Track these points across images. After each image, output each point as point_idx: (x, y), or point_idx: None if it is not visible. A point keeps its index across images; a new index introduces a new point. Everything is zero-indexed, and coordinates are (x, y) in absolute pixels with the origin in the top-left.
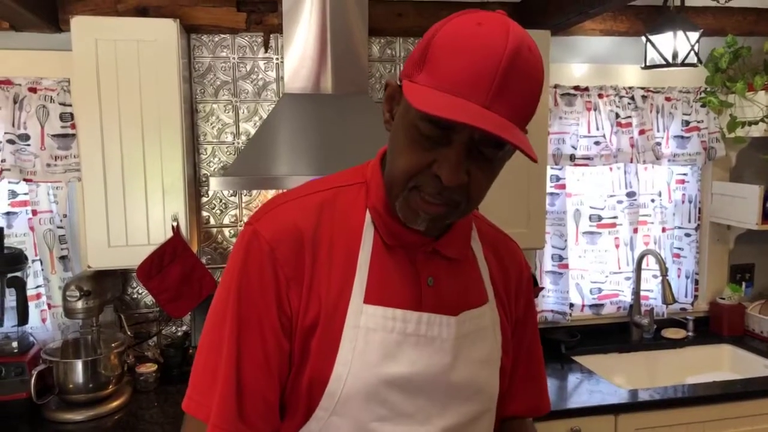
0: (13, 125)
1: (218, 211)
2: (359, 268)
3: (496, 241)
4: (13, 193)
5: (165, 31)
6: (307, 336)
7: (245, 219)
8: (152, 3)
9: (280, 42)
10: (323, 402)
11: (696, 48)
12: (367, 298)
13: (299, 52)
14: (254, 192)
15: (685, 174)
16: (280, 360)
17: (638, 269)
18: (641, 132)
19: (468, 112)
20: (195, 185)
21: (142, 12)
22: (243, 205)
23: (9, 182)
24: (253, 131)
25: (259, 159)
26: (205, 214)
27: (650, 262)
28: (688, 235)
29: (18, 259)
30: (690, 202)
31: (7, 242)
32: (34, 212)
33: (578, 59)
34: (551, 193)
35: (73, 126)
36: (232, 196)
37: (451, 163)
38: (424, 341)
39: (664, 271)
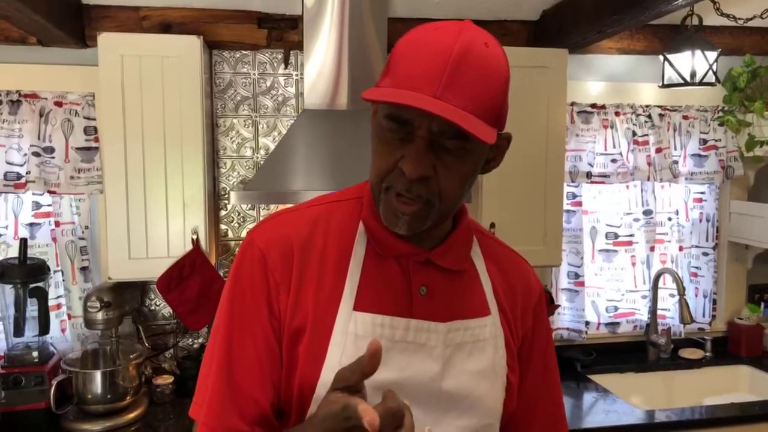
0: (39, 138)
1: (236, 225)
2: (350, 276)
3: (502, 257)
4: (37, 205)
5: (188, 47)
6: (294, 340)
7: None
8: (176, 20)
9: (300, 58)
10: (312, 408)
11: (714, 67)
12: (356, 305)
13: (318, 68)
14: (272, 206)
15: (702, 193)
16: (272, 363)
17: (655, 288)
18: (658, 150)
19: (413, 99)
20: (214, 199)
21: (166, 29)
22: (261, 218)
23: (33, 194)
24: (272, 146)
25: (278, 174)
26: (223, 227)
27: (667, 281)
28: (705, 254)
29: (40, 270)
30: (708, 221)
31: (30, 252)
32: (57, 223)
33: (595, 77)
34: (567, 211)
35: (97, 139)
36: (250, 209)
37: (412, 156)
38: (414, 348)
39: (681, 291)
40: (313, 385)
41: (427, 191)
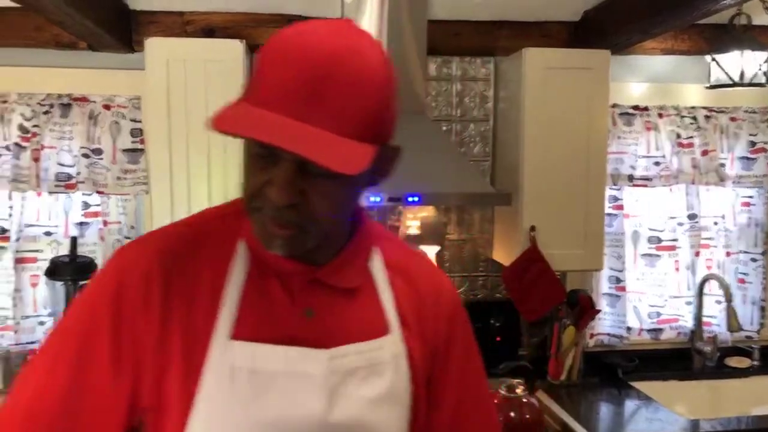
0: (88, 140)
1: None
2: (227, 301)
3: (407, 264)
4: (86, 204)
5: (231, 51)
6: (160, 377)
7: None
8: (219, 24)
9: None
10: None
11: (764, 67)
12: (234, 333)
13: None
14: None
15: (750, 196)
16: (98, 394)
17: (700, 294)
18: (704, 153)
19: (264, 129)
20: None
21: (209, 33)
22: None
23: (83, 194)
24: None
25: None
26: None
27: (713, 287)
28: (754, 260)
29: (89, 267)
30: (756, 225)
31: (79, 251)
32: (105, 223)
33: (637, 78)
34: (609, 214)
35: (143, 141)
36: None
37: (277, 183)
38: (298, 379)
39: (729, 297)
40: (185, 425)
41: (297, 217)
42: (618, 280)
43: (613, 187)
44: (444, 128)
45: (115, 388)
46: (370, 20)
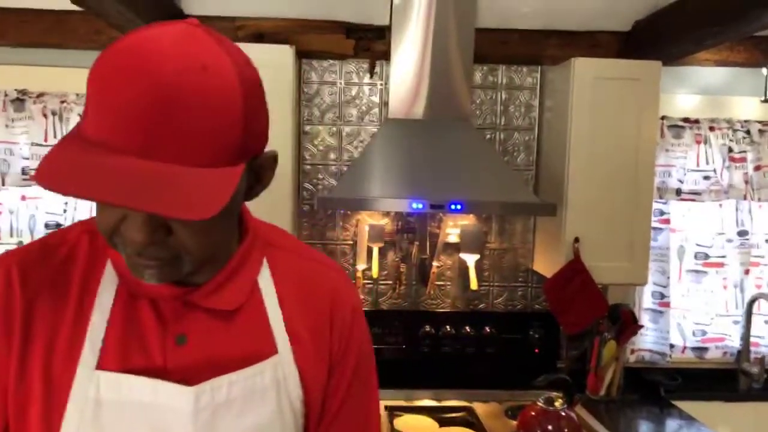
0: None
1: (319, 228)
2: (92, 327)
3: (304, 274)
4: None
5: (281, 56)
6: (21, 408)
7: (340, 237)
8: (269, 30)
9: (385, 68)
10: None
11: None
12: (101, 362)
13: (403, 78)
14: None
15: None
16: None
17: (749, 313)
18: (757, 168)
19: (92, 173)
20: (298, 203)
21: (259, 38)
22: (341, 223)
23: None
24: (355, 153)
25: (363, 181)
26: (305, 232)
27: (762, 307)
28: None
29: None
30: None
31: None
32: None
33: (688, 90)
34: (655, 228)
35: None
36: (329, 214)
37: (134, 223)
38: (166, 413)
39: None
40: None
41: (166, 251)
42: (662, 296)
43: (660, 200)
44: (488, 136)
45: None
46: (416, 26)
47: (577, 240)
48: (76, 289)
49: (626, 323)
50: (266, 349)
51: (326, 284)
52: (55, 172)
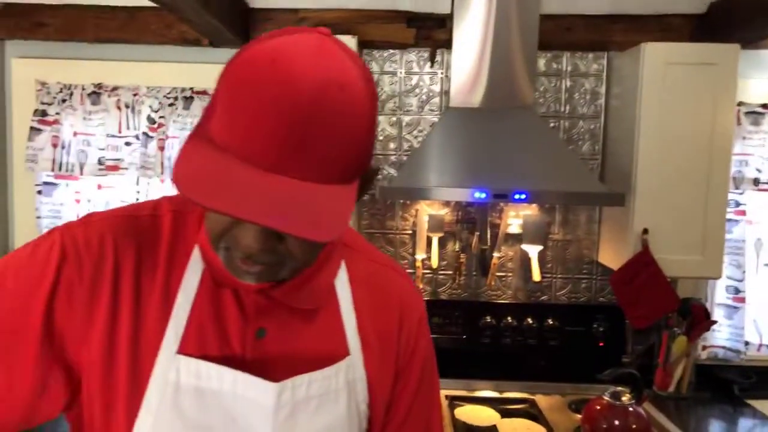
0: None
1: (379, 217)
2: (177, 310)
3: (374, 277)
4: None
5: None
6: (106, 379)
7: (399, 227)
8: (331, 21)
9: (446, 57)
10: None
11: None
12: (182, 347)
13: (465, 66)
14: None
15: None
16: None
17: None
18: None
19: (232, 187)
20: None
21: None
22: (400, 213)
23: None
24: (414, 143)
25: (423, 170)
26: (364, 221)
27: None
28: None
29: None
30: None
31: None
32: None
33: (766, 75)
34: (729, 220)
35: None
36: (388, 204)
37: (249, 230)
38: (244, 404)
39: None
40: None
41: (274, 257)
42: (737, 291)
43: (735, 191)
44: (552, 125)
45: (33, 383)
46: (478, 13)
47: (646, 231)
48: (162, 269)
49: (698, 318)
50: (339, 351)
51: (396, 291)
52: (191, 180)
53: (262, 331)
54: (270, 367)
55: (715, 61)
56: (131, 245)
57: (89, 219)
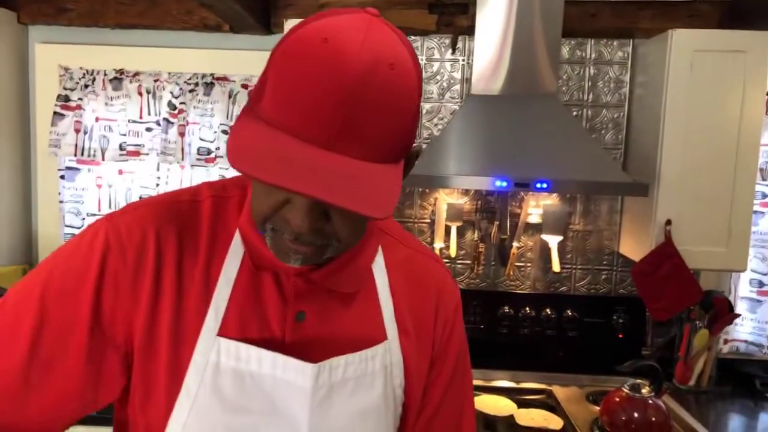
0: (227, 117)
1: (398, 206)
2: (218, 293)
3: (410, 263)
4: (223, 178)
5: None
6: (147, 362)
7: (418, 215)
8: (352, 6)
9: (468, 44)
10: None
11: None
12: (222, 329)
13: (487, 53)
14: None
15: None
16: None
17: None
18: None
19: (289, 164)
20: None
21: None
22: (419, 201)
23: (220, 168)
24: (435, 131)
25: (444, 158)
26: None
27: None
28: None
29: None
30: None
31: None
32: None
33: None
34: (756, 212)
35: None
36: (407, 192)
37: (300, 209)
38: (282, 386)
39: None
40: (163, 417)
41: (321, 238)
42: (761, 284)
43: (763, 182)
44: (574, 113)
45: (83, 370)
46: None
47: (669, 222)
48: (203, 253)
49: (721, 311)
50: (377, 335)
51: (433, 278)
52: (250, 157)
53: (302, 315)
54: (308, 349)
55: (745, 49)
56: (172, 231)
57: (130, 208)
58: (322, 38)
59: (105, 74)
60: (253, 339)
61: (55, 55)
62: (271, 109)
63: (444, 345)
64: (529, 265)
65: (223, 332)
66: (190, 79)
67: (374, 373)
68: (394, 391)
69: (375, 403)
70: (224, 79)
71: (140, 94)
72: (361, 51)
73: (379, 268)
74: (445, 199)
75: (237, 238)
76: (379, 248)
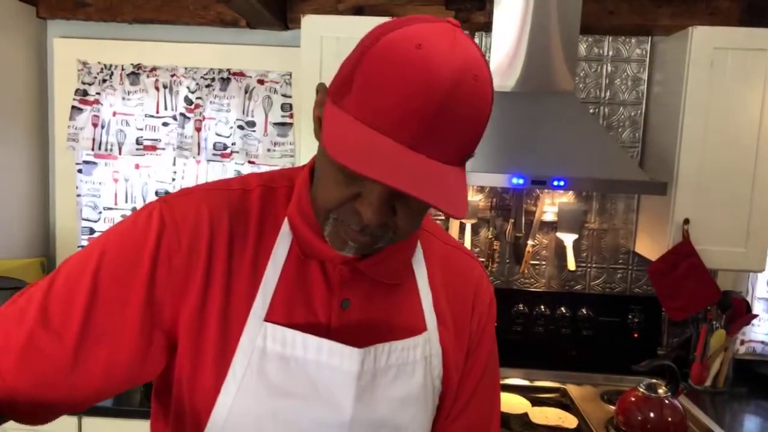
0: (243, 113)
1: None
2: (265, 280)
3: (448, 259)
4: (238, 174)
5: None
6: (199, 347)
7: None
8: (368, 3)
9: (484, 40)
10: (208, 428)
11: None
12: (269, 314)
13: (505, 50)
14: None
15: None
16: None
17: None
18: None
19: (384, 160)
20: None
21: (359, 11)
22: None
23: (236, 163)
24: None
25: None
26: None
27: None
28: None
29: None
30: None
31: None
32: None
33: None
34: None
35: (291, 116)
36: None
37: (372, 203)
38: (328, 371)
39: None
40: (210, 400)
41: (384, 230)
42: None
43: None
44: (591, 111)
45: (135, 347)
46: None
47: (687, 221)
48: (252, 240)
49: (738, 312)
50: (417, 326)
51: (471, 273)
52: (343, 148)
53: (347, 302)
54: (352, 336)
55: (766, 47)
56: (224, 217)
57: (184, 192)
58: (416, 44)
59: (122, 69)
60: (299, 324)
61: (73, 49)
62: (360, 107)
63: (478, 339)
64: (543, 263)
65: (269, 318)
66: (206, 74)
67: (415, 362)
68: (433, 381)
69: (415, 391)
70: (240, 74)
71: (157, 88)
72: (450, 60)
73: (418, 262)
74: None
75: (285, 227)
76: (418, 243)
